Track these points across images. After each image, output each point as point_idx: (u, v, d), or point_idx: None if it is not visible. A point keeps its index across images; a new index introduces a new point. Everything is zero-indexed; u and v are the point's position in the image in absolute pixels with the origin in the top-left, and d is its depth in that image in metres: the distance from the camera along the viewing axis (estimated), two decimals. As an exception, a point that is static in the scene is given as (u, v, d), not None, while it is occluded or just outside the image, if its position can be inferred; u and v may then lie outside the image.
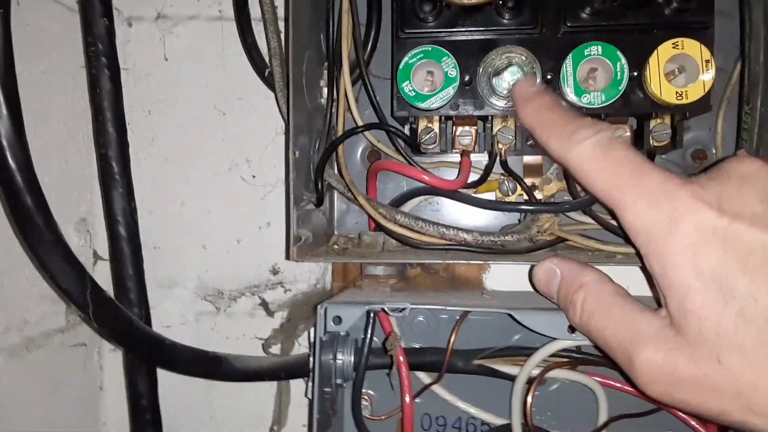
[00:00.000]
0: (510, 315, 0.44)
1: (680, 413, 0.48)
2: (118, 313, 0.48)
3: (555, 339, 0.46)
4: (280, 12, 0.56)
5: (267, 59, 0.57)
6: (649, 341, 0.34)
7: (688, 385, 0.32)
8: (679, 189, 0.32)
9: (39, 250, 0.41)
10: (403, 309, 0.43)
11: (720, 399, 0.31)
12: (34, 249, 0.41)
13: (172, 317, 0.67)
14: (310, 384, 0.47)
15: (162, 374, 0.61)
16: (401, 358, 0.48)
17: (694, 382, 0.32)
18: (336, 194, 0.58)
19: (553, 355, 0.48)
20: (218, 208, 0.66)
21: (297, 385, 0.66)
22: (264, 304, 0.66)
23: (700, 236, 0.31)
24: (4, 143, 0.37)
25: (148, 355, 0.53)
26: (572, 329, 0.42)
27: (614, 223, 0.46)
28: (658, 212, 0.33)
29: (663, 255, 0.33)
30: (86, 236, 0.65)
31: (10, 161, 0.38)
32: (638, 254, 0.35)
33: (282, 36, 0.55)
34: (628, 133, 0.48)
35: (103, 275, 0.55)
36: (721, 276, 0.31)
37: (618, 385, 0.49)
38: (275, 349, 0.65)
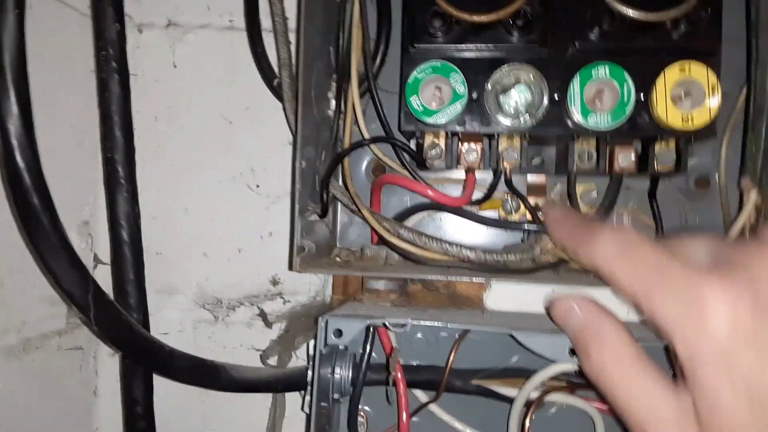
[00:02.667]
0: (512, 336, 0.43)
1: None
2: (119, 316, 0.48)
3: (554, 362, 0.46)
4: (291, 24, 0.57)
5: (276, 70, 0.58)
6: (667, 428, 0.31)
7: None
8: (708, 283, 0.30)
9: (43, 250, 0.41)
10: (404, 325, 0.43)
11: None
12: (39, 249, 0.41)
13: (170, 324, 0.66)
14: (307, 398, 0.46)
15: (157, 382, 0.61)
16: (399, 376, 0.48)
17: None
18: (339, 206, 0.58)
19: (552, 378, 0.48)
20: (221, 217, 0.66)
21: (291, 398, 0.66)
22: (262, 315, 0.66)
23: (733, 340, 0.29)
24: (14, 142, 0.38)
25: (146, 360, 0.53)
26: (573, 352, 0.41)
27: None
28: (686, 313, 0.30)
29: (694, 353, 0.30)
30: (88, 239, 0.65)
31: (19, 160, 0.38)
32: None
33: (292, 47, 0.55)
34: (633, 157, 0.48)
35: (103, 279, 0.55)
36: (755, 388, 0.29)
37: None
38: (272, 360, 0.65)
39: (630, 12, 0.42)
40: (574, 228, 0.39)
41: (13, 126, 0.38)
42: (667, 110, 0.43)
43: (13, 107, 0.38)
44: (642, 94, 0.44)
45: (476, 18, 0.44)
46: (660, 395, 0.32)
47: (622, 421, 0.34)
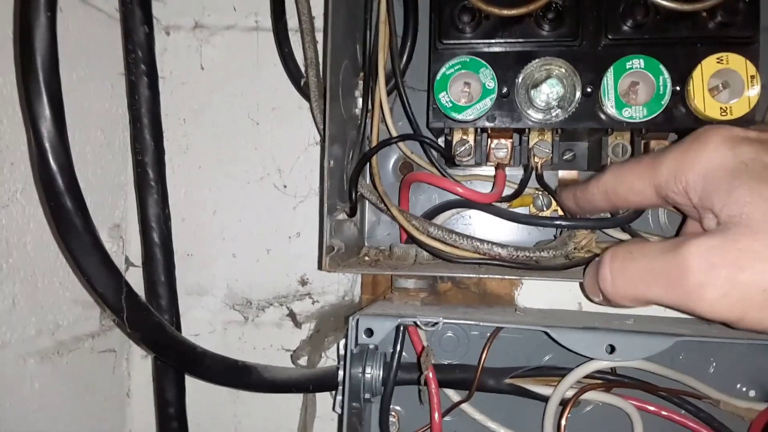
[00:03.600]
0: (546, 333, 0.42)
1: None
2: (151, 318, 0.48)
3: (590, 359, 0.45)
4: (317, 23, 0.57)
5: (303, 69, 0.58)
6: (699, 236, 0.32)
7: (752, 256, 0.30)
8: (704, 131, 0.35)
9: (76, 252, 0.42)
10: (436, 323, 0.43)
11: None
12: (72, 251, 0.42)
13: (201, 325, 0.67)
14: (338, 398, 0.46)
15: (188, 383, 0.61)
16: (431, 375, 0.47)
17: (758, 251, 0.30)
18: (367, 205, 0.58)
19: (587, 377, 0.47)
20: (249, 217, 0.66)
21: (322, 398, 0.66)
22: (291, 315, 0.66)
23: (734, 139, 0.33)
24: (47, 145, 0.38)
25: (178, 361, 0.53)
26: (611, 348, 0.40)
27: (655, 238, 0.45)
28: (689, 146, 0.35)
29: (703, 165, 0.33)
30: (119, 242, 0.66)
31: (52, 163, 0.38)
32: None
33: (319, 46, 0.55)
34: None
35: (134, 282, 0.55)
36: (764, 155, 0.31)
37: (653, 409, 0.48)
38: (303, 360, 0.65)
39: (664, 2, 0.41)
40: (580, 184, 0.44)
41: (46, 128, 0.39)
42: (705, 102, 0.42)
43: (46, 110, 0.38)
44: (678, 87, 0.43)
45: (506, 12, 0.43)
46: (681, 238, 0.35)
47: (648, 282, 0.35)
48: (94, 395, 0.62)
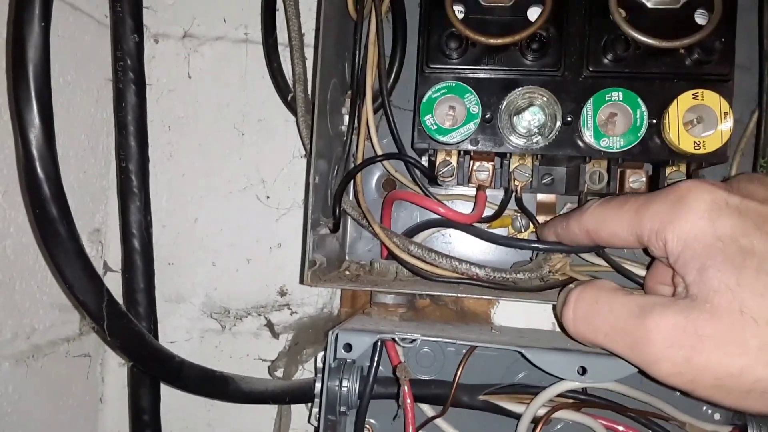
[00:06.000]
0: (521, 353, 0.44)
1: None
2: (130, 327, 0.48)
3: (562, 379, 0.46)
4: (307, 39, 0.57)
5: (291, 84, 0.58)
6: (665, 307, 0.33)
7: (710, 342, 0.31)
8: (685, 185, 0.35)
9: (59, 259, 0.42)
10: (414, 340, 0.44)
11: (743, 353, 0.31)
12: (55, 258, 0.42)
13: (178, 333, 0.67)
14: (314, 410, 0.47)
15: (163, 390, 0.61)
16: (406, 389, 0.48)
17: (716, 339, 0.31)
18: (349, 220, 0.59)
19: (559, 395, 0.48)
20: (230, 227, 0.66)
21: (297, 410, 0.66)
22: (269, 325, 0.66)
23: (716, 208, 0.33)
24: (35, 153, 0.38)
25: (156, 371, 0.53)
26: (582, 370, 0.42)
27: (626, 266, 0.46)
28: (673, 207, 0.34)
29: (683, 231, 0.33)
30: (98, 247, 0.65)
31: (39, 171, 0.39)
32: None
33: (308, 62, 0.56)
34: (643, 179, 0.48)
35: (112, 287, 0.55)
36: (740, 236, 0.32)
37: (622, 429, 0.49)
38: (279, 372, 0.65)
39: (644, 38, 0.43)
40: (562, 217, 0.45)
41: (35, 136, 0.39)
42: (680, 135, 0.43)
43: (36, 119, 0.38)
44: (654, 120, 0.44)
45: (492, 41, 0.45)
46: (648, 296, 0.36)
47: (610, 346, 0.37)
48: (68, 400, 0.62)
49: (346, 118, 0.54)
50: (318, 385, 0.46)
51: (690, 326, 0.32)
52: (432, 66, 0.47)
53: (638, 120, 0.44)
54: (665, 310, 0.33)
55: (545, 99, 0.45)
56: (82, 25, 0.60)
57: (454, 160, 0.50)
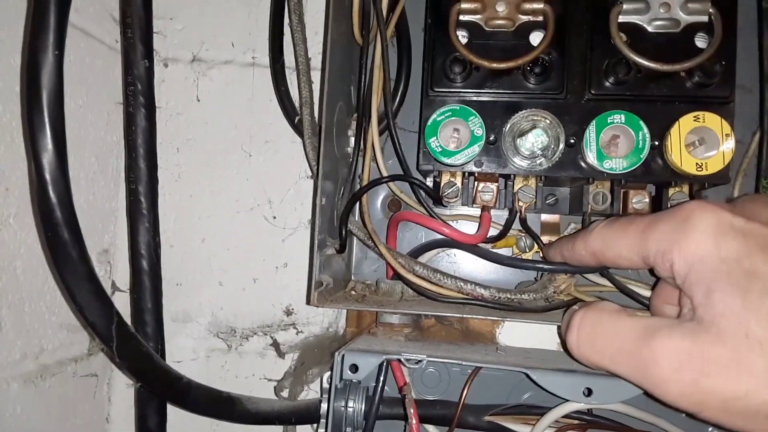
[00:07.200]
0: (526, 374, 0.44)
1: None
2: (140, 348, 0.49)
3: (568, 400, 0.46)
4: (314, 62, 0.58)
5: (298, 107, 0.59)
6: (672, 330, 0.33)
7: (716, 366, 0.31)
8: (688, 205, 0.35)
9: (71, 282, 0.42)
10: (420, 361, 0.44)
11: (749, 376, 0.31)
12: (66, 281, 0.42)
13: (184, 352, 0.67)
14: (320, 431, 0.47)
15: (169, 410, 0.61)
16: (412, 411, 0.48)
17: (723, 362, 0.31)
18: (355, 240, 0.59)
19: (565, 416, 0.48)
20: (237, 247, 0.67)
21: (302, 430, 0.66)
22: (275, 345, 0.67)
23: (721, 229, 0.33)
24: (47, 177, 0.39)
25: (164, 392, 0.53)
26: (588, 391, 0.42)
27: (631, 287, 0.46)
28: (678, 229, 0.35)
29: (689, 253, 0.34)
30: (107, 267, 0.66)
31: (52, 195, 0.39)
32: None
33: (314, 86, 0.57)
34: (646, 199, 0.49)
35: (120, 306, 0.56)
36: (744, 258, 0.32)
37: (628, 449, 0.49)
38: (285, 392, 0.65)
39: (645, 62, 0.44)
40: (567, 238, 0.45)
41: (48, 162, 0.40)
42: (682, 157, 0.44)
43: (49, 144, 0.39)
44: (656, 141, 0.45)
45: (495, 65, 0.45)
46: (652, 318, 0.36)
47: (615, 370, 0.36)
48: (75, 420, 0.62)
49: (352, 140, 0.55)
50: (324, 405, 0.47)
51: (697, 349, 0.32)
52: (436, 89, 0.48)
53: (641, 142, 0.45)
54: (672, 333, 0.33)
55: (548, 121, 0.46)
56: (94, 51, 0.61)
57: (458, 181, 0.50)
